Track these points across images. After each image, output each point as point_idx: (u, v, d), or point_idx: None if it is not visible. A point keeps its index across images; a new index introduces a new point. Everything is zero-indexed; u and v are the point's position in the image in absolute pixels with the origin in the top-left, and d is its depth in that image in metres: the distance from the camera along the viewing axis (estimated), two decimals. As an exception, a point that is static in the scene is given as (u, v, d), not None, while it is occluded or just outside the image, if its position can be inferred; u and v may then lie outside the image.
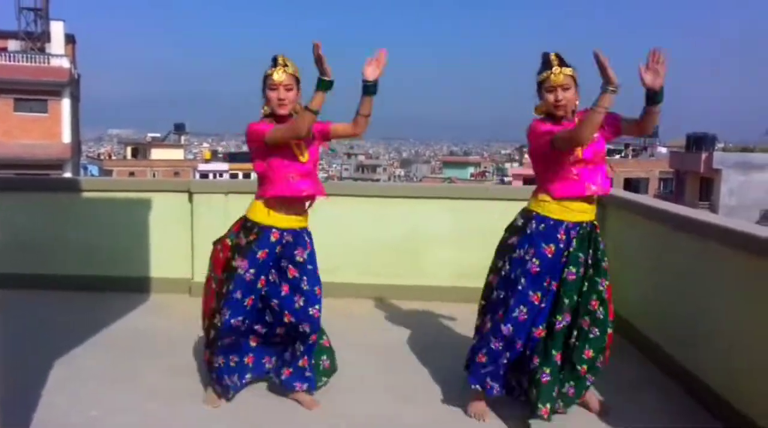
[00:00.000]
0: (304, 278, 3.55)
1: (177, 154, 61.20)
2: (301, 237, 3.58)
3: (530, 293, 3.39)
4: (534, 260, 3.39)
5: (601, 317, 3.45)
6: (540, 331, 3.43)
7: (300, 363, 3.63)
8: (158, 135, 68.10)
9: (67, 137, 32.95)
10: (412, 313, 5.39)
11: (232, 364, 3.64)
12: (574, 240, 3.41)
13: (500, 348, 3.47)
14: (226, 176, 57.40)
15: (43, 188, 6.38)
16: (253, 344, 3.72)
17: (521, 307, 3.40)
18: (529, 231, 3.43)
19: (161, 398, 3.72)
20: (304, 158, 3.48)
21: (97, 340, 4.65)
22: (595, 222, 3.52)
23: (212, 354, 3.62)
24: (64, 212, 5.97)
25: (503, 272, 3.51)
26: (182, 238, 5.85)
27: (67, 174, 30.46)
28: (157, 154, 58.97)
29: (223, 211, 5.81)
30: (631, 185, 42.57)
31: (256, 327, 3.64)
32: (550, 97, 3.32)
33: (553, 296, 3.44)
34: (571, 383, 3.50)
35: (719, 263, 3.71)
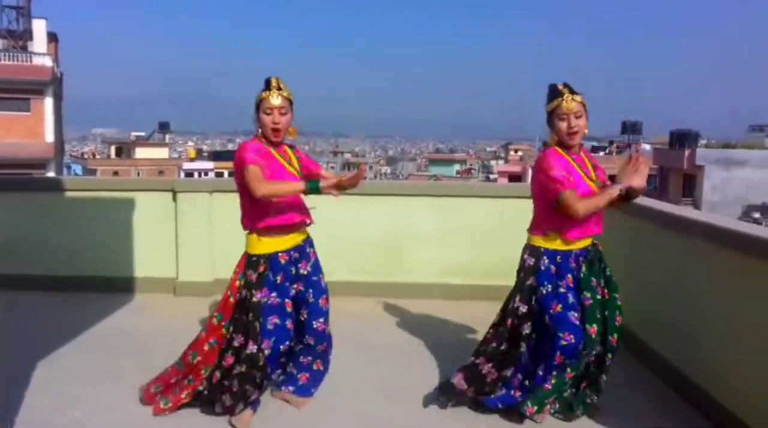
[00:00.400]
0: (310, 290, 3.51)
1: (162, 153, 60.82)
2: (304, 250, 3.54)
3: (571, 315, 3.32)
4: (561, 290, 3.36)
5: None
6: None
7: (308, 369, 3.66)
8: (143, 134, 67.64)
9: (50, 136, 32.64)
10: (399, 310, 5.40)
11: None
12: (584, 265, 3.42)
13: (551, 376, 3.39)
14: (211, 174, 57.12)
15: (26, 188, 6.31)
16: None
17: (570, 335, 3.29)
18: (543, 267, 3.40)
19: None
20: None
21: (80, 340, 4.61)
22: (595, 241, 3.51)
23: (254, 388, 3.39)
24: (47, 212, 5.91)
25: (531, 313, 3.43)
26: (167, 237, 5.82)
27: (51, 174, 30.20)
28: (141, 153, 58.58)
29: (207, 210, 5.80)
30: (614, 182, 42.76)
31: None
32: (563, 125, 3.28)
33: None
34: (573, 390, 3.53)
35: (705, 260, 3.73)
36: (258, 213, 3.41)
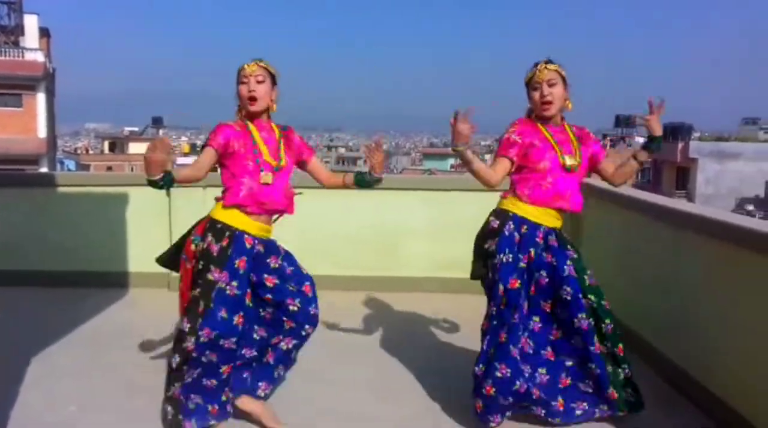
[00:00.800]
0: (291, 282, 3.29)
1: (155, 148, 60.49)
2: (273, 245, 3.34)
3: (520, 298, 3.23)
4: (522, 264, 3.25)
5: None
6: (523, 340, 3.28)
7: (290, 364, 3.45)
8: (136, 129, 67.50)
9: (42, 131, 32.49)
10: (391, 304, 5.40)
11: (206, 398, 3.20)
12: (556, 245, 3.31)
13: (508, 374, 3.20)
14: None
15: (19, 184, 6.29)
16: (225, 375, 3.21)
17: (514, 314, 3.22)
18: (507, 233, 3.26)
19: (141, 394, 3.68)
20: (270, 160, 3.21)
21: (74, 336, 4.60)
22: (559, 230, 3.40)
23: (181, 390, 3.14)
24: (40, 207, 5.89)
25: (488, 284, 3.31)
26: (160, 232, 5.79)
27: (43, 169, 30.07)
28: (135, 148, 58.37)
29: (201, 204, 5.73)
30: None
31: (244, 352, 3.26)
32: (536, 94, 3.24)
33: (534, 305, 3.32)
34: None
35: (698, 253, 3.75)
36: (234, 189, 3.18)
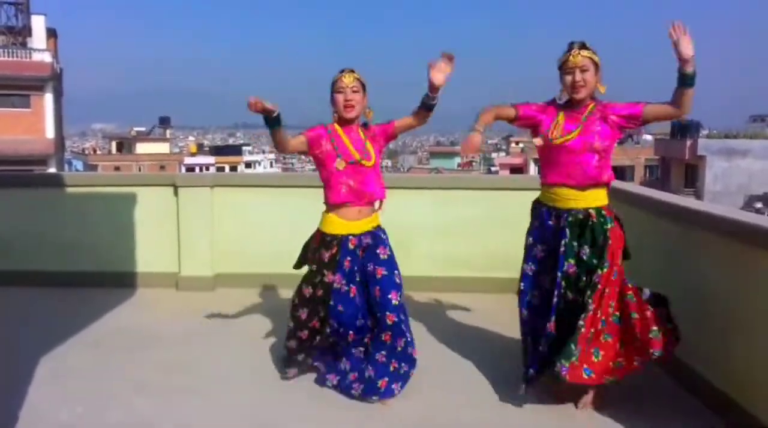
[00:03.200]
0: (395, 272, 3.67)
1: (163, 148, 60.79)
2: (378, 237, 3.71)
3: (540, 277, 3.58)
4: (539, 246, 3.59)
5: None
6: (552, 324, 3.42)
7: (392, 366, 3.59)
8: (143, 129, 67.58)
9: (50, 132, 32.60)
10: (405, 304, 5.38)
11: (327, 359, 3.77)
12: (567, 229, 3.44)
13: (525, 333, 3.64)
14: (212, 169, 57.15)
15: (27, 184, 6.32)
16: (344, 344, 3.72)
17: (534, 291, 3.60)
18: (535, 221, 3.64)
19: (150, 394, 3.70)
20: (355, 154, 3.58)
21: (82, 337, 4.61)
22: (592, 210, 3.47)
23: (307, 350, 3.76)
24: (48, 207, 5.91)
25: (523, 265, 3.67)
26: (168, 232, 5.82)
27: (52, 170, 30.17)
28: (142, 148, 58.55)
29: (208, 204, 5.80)
30: (617, 172, 42.60)
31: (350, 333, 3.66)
32: (569, 78, 3.38)
33: (558, 287, 3.44)
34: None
35: (705, 250, 3.73)
36: (330, 189, 3.63)
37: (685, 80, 3.24)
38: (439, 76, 3.40)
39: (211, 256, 5.82)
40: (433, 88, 3.45)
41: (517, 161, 50.25)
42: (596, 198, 3.49)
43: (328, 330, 3.64)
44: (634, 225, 4.72)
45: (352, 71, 3.58)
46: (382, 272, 3.61)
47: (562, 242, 3.45)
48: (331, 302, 3.60)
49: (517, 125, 3.64)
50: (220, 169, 55.21)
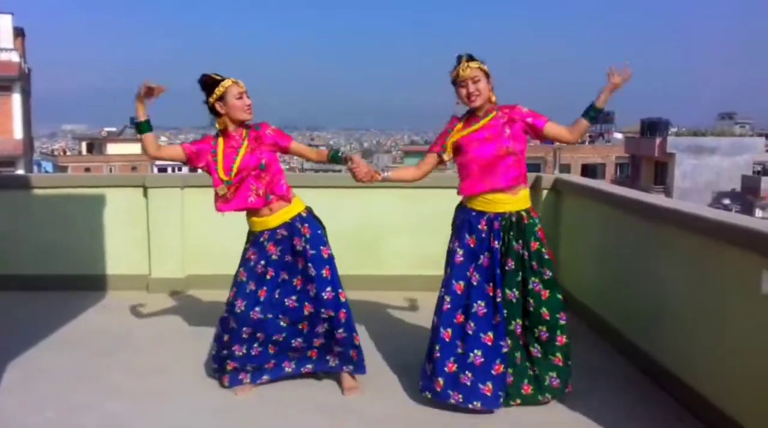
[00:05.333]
0: (309, 264, 3.63)
1: (134, 148, 59.92)
2: (293, 227, 3.67)
3: (454, 282, 3.56)
4: (459, 250, 3.58)
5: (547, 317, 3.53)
6: (459, 317, 3.52)
7: (341, 348, 3.70)
8: (114, 129, 66.67)
9: (18, 132, 32.04)
10: (375, 303, 5.41)
11: (254, 353, 3.70)
12: (501, 231, 3.51)
13: (435, 345, 3.55)
14: (185, 169, 56.58)
15: (-7, 186, 6.21)
16: (271, 351, 3.74)
17: (446, 297, 3.57)
18: (458, 223, 3.65)
19: (122, 397, 3.67)
20: (222, 175, 3.62)
21: (52, 340, 4.56)
22: (524, 212, 3.55)
23: (230, 343, 3.67)
24: (16, 209, 5.82)
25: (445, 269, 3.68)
26: (138, 234, 5.77)
27: (20, 171, 29.64)
28: (113, 149, 57.80)
29: (179, 205, 5.76)
30: (588, 170, 43.23)
31: (275, 337, 3.68)
32: (462, 91, 3.50)
33: (478, 288, 3.51)
34: (552, 374, 3.56)
35: (671, 246, 3.80)
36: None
37: (592, 113, 3.49)
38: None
39: (183, 257, 5.79)
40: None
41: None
42: (521, 200, 3.56)
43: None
44: (603, 222, 4.81)
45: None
46: (272, 273, 3.69)
47: (497, 244, 3.50)
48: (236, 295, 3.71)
49: (448, 161, 3.66)
50: (193, 169, 54.66)
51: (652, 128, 38.14)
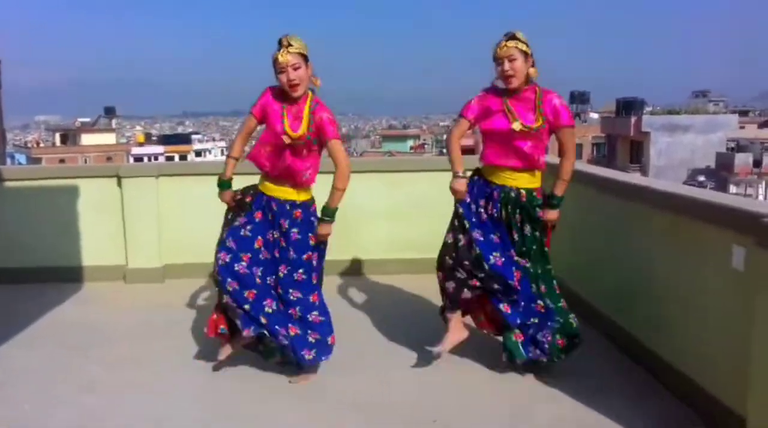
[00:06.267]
0: (290, 248, 3.62)
1: (109, 138, 59.41)
2: (284, 208, 3.65)
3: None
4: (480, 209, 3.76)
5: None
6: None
7: (303, 333, 3.64)
8: (88, 120, 65.81)
9: (-11, 125, 31.49)
10: (355, 287, 5.42)
11: (246, 307, 3.54)
12: (499, 203, 3.69)
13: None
14: (161, 158, 56.04)
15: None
16: (269, 310, 3.61)
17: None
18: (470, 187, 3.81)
19: (99, 390, 3.65)
20: (292, 134, 3.53)
21: (28, 333, 4.51)
22: (524, 190, 3.68)
23: (221, 296, 3.60)
24: (-13, 203, 5.72)
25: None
26: (114, 224, 5.71)
27: (-8, 164, 29.17)
28: (87, 139, 57.12)
29: (154, 194, 5.70)
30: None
31: (265, 302, 3.59)
32: (498, 68, 3.58)
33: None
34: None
35: (646, 223, 3.84)
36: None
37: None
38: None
39: (159, 247, 5.74)
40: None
41: (468, 142, 50.54)
42: (531, 180, 3.70)
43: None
44: (579, 201, 4.84)
45: (290, 45, 3.45)
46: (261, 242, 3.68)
47: (496, 211, 3.69)
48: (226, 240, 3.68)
49: (475, 126, 3.80)
50: (170, 158, 54.19)
51: (628, 107, 38.46)
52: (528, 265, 3.67)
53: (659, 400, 3.41)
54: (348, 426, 3.27)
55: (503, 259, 3.60)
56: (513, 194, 3.66)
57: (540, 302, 3.69)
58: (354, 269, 5.80)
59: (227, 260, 3.55)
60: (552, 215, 3.67)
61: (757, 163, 32.95)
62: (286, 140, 3.52)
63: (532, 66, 3.57)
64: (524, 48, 3.52)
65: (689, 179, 31.54)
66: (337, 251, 5.80)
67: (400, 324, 4.56)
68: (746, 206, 2.90)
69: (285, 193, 3.65)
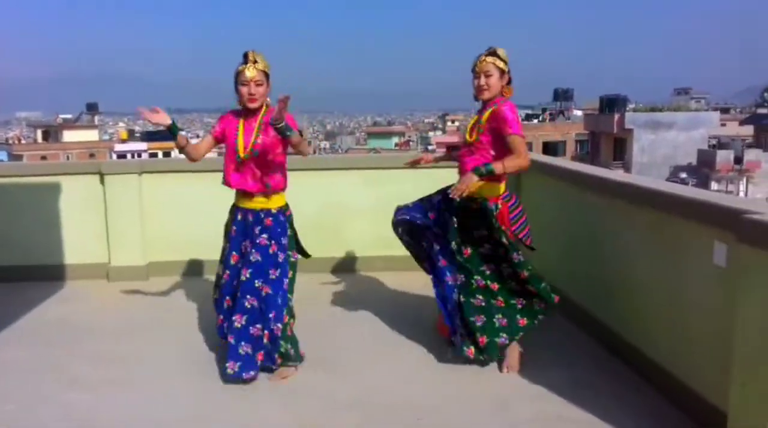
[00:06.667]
0: (253, 251, 3.68)
1: (91, 135, 58.84)
2: (258, 217, 3.73)
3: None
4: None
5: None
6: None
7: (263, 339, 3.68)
8: (70, 116, 65.13)
9: (-31, 121, 31.12)
10: (340, 285, 5.42)
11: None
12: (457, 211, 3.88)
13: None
14: (145, 155, 55.57)
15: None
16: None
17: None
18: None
19: (84, 388, 3.62)
20: (242, 153, 3.66)
21: (10, 332, 4.47)
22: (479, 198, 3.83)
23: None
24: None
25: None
26: (96, 221, 5.67)
27: (-28, 161, 28.85)
28: (69, 136, 56.55)
29: (137, 191, 5.66)
30: (549, 148, 43.70)
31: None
32: (475, 81, 3.75)
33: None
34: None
35: (628, 220, 3.86)
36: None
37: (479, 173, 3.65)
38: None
39: (143, 244, 5.70)
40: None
41: (453, 139, 50.68)
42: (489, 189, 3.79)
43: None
44: (563, 199, 4.88)
45: (256, 61, 3.61)
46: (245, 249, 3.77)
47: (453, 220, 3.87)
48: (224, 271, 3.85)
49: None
50: (153, 155, 53.69)
51: (611, 104, 38.68)
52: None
53: (645, 397, 3.44)
54: (336, 424, 3.26)
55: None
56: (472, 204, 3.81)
57: (479, 296, 3.84)
58: (339, 267, 5.79)
59: (216, 296, 3.95)
60: (465, 181, 3.63)
61: (738, 160, 33.29)
62: (242, 155, 3.66)
63: (508, 83, 3.75)
64: (501, 65, 3.70)
65: (672, 175, 31.82)
66: (322, 248, 5.80)
67: (385, 321, 4.57)
68: (727, 203, 2.94)
69: (257, 203, 3.74)
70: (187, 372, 3.82)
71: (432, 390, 3.59)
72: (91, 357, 4.03)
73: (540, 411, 3.32)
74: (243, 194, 3.76)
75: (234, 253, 3.79)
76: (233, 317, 3.64)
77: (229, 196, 3.87)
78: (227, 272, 3.81)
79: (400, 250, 5.83)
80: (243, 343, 3.61)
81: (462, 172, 3.80)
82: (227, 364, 3.59)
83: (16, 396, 3.54)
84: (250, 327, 3.63)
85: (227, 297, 3.80)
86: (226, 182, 3.77)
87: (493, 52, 3.70)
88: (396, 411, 3.36)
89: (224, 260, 3.86)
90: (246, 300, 3.64)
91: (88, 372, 3.83)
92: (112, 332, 4.47)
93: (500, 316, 3.80)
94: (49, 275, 5.61)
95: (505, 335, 3.76)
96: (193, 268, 5.72)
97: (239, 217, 3.79)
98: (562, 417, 3.25)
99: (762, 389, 2.51)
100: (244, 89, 3.61)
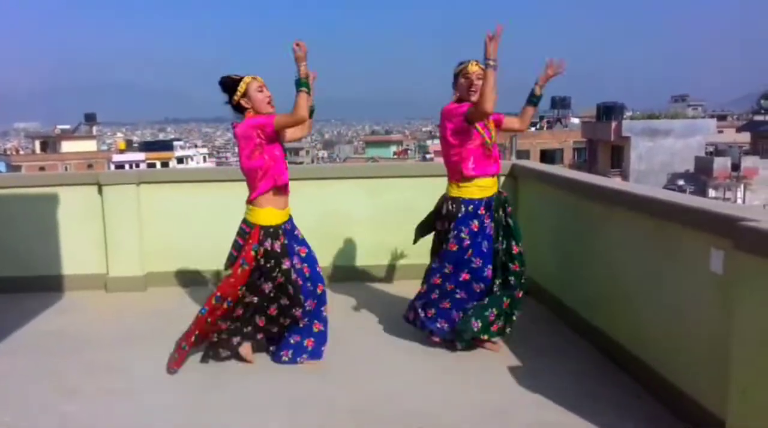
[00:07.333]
0: (305, 248, 4.06)
1: (90, 145, 58.93)
2: (291, 220, 4.03)
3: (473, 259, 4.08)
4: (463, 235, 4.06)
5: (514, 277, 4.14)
6: (480, 287, 4.12)
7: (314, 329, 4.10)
8: (68, 127, 65.20)
9: (-33, 133, 31.13)
10: (336, 294, 5.41)
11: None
12: (492, 211, 4.10)
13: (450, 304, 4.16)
14: (143, 165, 55.65)
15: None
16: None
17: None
18: (460, 215, 4.06)
19: (81, 399, 3.61)
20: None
21: (7, 343, 4.46)
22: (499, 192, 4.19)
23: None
24: (-34, 212, 5.65)
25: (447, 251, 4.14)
26: (94, 232, 5.67)
27: (-30, 172, 28.84)
28: (68, 146, 56.63)
29: (135, 202, 5.67)
30: (546, 156, 43.76)
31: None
32: (465, 82, 3.98)
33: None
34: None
35: (625, 227, 3.88)
36: (268, 175, 3.81)
37: (535, 100, 4.14)
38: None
39: (141, 255, 5.70)
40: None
41: (451, 147, 50.62)
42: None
43: (295, 311, 3.91)
44: (559, 206, 4.88)
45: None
46: (305, 250, 4.06)
47: (490, 222, 4.11)
48: (301, 283, 3.92)
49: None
50: (151, 165, 53.77)
51: (608, 112, 38.73)
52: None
53: (644, 404, 3.43)
54: (332, 433, 3.26)
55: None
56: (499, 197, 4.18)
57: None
58: (339, 276, 5.79)
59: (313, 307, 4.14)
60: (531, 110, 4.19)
61: (735, 167, 33.32)
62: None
63: None
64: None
65: (669, 183, 31.84)
66: (322, 257, 5.78)
67: (385, 329, 4.56)
68: (724, 210, 2.95)
69: (288, 211, 4.00)
70: (184, 382, 3.81)
71: (432, 397, 3.58)
72: (89, 368, 4.03)
73: (539, 418, 3.32)
74: (283, 200, 3.91)
75: (305, 265, 4.10)
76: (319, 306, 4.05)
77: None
78: (307, 284, 4.07)
79: (399, 259, 5.87)
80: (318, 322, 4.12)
81: (475, 169, 4.03)
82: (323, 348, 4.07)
83: (13, 406, 3.53)
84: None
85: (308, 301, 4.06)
86: (282, 181, 3.85)
87: (478, 61, 3.95)
88: (397, 418, 3.35)
89: (299, 273, 4.01)
90: (318, 288, 4.13)
91: (86, 382, 3.82)
92: (110, 342, 4.47)
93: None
94: (47, 285, 5.61)
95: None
96: (192, 278, 5.71)
97: (284, 231, 3.94)
98: (561, 424, 3.24)
99: (760, 396, 2.51)
100: (264, 95, 3.84)
